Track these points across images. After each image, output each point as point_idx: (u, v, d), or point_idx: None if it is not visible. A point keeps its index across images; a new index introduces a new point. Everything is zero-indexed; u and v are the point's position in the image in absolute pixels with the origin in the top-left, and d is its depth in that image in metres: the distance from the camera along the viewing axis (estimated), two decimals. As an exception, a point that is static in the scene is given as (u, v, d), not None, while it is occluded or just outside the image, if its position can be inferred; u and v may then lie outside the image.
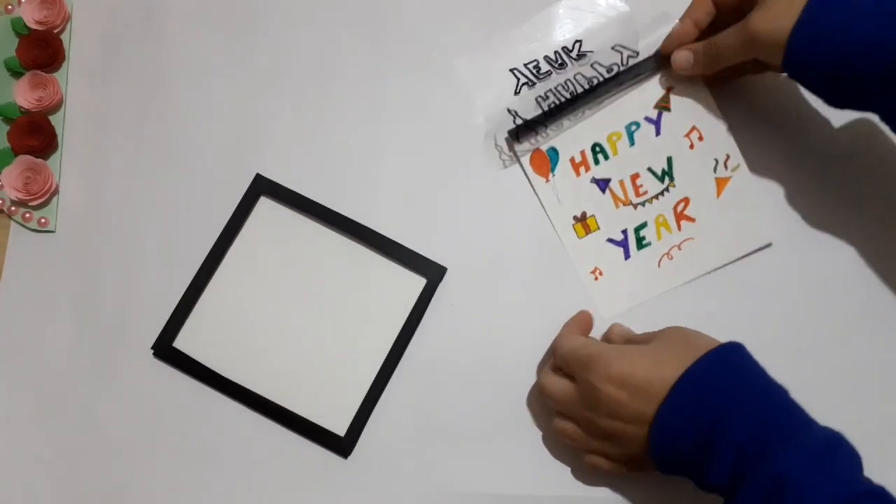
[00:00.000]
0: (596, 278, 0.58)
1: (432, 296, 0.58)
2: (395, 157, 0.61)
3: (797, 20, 0.48)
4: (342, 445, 0.56)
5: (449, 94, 0.61)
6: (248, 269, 0.59)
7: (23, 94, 0.62)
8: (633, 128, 0.59)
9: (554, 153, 0.59)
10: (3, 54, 0.64)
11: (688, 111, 0.58)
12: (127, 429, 0.57)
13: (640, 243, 0.58)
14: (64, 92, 0.63)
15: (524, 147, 0.59)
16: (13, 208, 0.61)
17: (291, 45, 0.63)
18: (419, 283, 0.58)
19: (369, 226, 0.59)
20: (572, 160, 0.59)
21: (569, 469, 0.55)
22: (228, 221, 0.60)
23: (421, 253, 0.58)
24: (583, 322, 0.56)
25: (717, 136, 0.58)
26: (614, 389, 0.47)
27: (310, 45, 0.63)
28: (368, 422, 0.56)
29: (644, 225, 0.58)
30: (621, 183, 0.59)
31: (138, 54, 0.64)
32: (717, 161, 0.58)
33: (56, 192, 0.62)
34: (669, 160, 0.58)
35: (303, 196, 0.60)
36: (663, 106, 0.58)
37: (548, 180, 0.59)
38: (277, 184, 0.60)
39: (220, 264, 0.59)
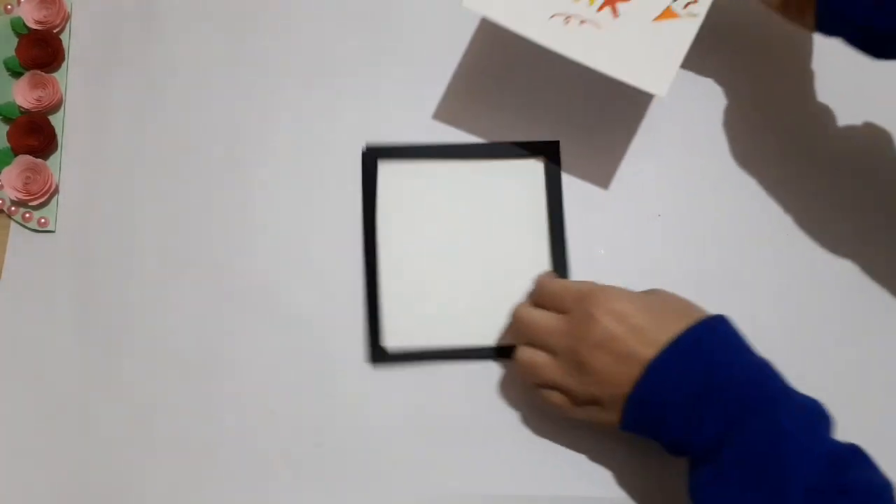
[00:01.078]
0: None
1: (560, 172, 0.59)
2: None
3: None
4: None
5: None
6: (402, 236, 0.59)
7: (22, 94, 0.62)
8: None
9: None
10: (3, 54, 0.64)
11: None
12: (126, 429, 0.57)
13: None
14: (64, 92, 0.63)
15: None
16: (13, 208, 0.61)
17: (292, 41, 0.63)
18: (538, 166, 0.59)
19: (471, 141, 0.60)
20: None
21: (568, 469, 0.55)
22: (363, 198, 0.59)
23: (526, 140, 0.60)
24: None
25: None
26: (613, 323, 0.46)
27: (310, 39, 0.63)
28: (370, 420, 0.56)
29: None
30: None
31: (138, 54, 0.64)
32: None
33: (56, 191, 0.62)
34: None
35: (413, 145, 0.60)
36: None
37: None
38: (391, 146, 0.60)
39: (377, 245, 0.59)
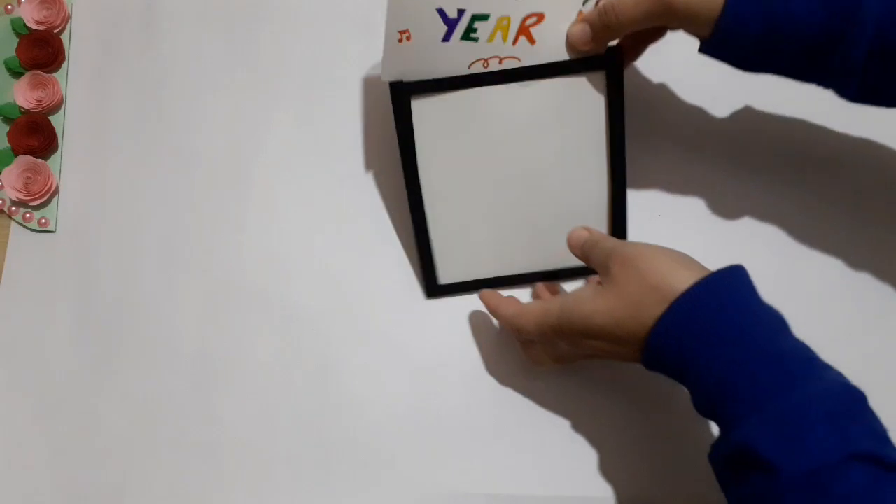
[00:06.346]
0: (400, 40, 0.48)
1: (622, 82, 0.51)
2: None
3: None
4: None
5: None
6: (445, 171, 0.54)
7: (23, 95, 0.62)
8: None
9: None
10: (3, 54, 0.64)
11: None
12: (127, 429, 0.57)
13: (469, 34, 0.49)
14: (64, 92, 0.63)
15: None
16: (13, 208, 0.61)
17: (291, 45, 0.63)
18: (600, 78, 0.52)
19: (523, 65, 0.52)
20: None
21: (569, 470, 0.55)
22: (400, 140, 0.53)
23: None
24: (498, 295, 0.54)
25: None
26: (597, 343, 0.47)
27: (309, 45, 0.63)
28: (371, 420, 0.56)
29: (485, 17, 0.48)
30: None
31: (138, 54, 0.64)
32: None
33: (56, 192, 0.62)
34: None
35: (448, 78, 0.52)
36: None
37: None
38: (422, 81, 0.51)
39: (420, 184, 0.54)
